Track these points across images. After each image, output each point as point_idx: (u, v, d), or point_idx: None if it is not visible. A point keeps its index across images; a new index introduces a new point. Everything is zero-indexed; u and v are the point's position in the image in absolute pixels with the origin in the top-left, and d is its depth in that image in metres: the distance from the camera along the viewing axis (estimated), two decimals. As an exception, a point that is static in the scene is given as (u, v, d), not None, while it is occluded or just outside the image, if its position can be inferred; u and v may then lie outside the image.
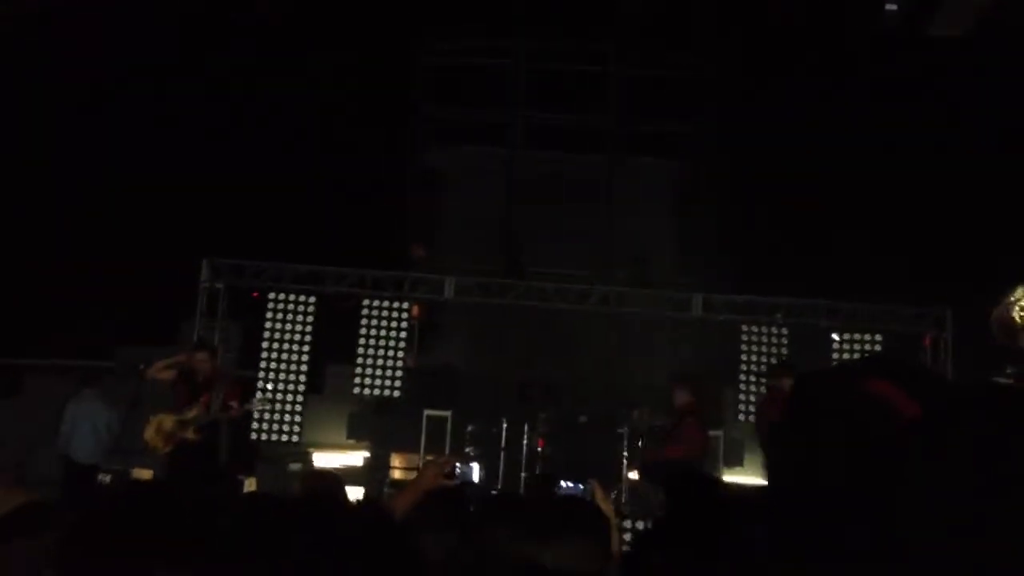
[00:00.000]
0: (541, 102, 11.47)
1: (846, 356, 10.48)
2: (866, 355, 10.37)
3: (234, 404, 8.04)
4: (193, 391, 7.91)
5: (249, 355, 10.20)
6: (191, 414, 7.83)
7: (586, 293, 10.30)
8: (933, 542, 1.09)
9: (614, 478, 9.23)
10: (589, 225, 11.22)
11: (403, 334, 10.17)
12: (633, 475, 9.38)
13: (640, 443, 9.42)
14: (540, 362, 10.39)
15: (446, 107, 11.44)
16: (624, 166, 11.39)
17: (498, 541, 2.61)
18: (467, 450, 9.43)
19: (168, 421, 7.80)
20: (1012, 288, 5.11)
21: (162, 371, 7.96)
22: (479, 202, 11.44)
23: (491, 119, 11.40)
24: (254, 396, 9.06)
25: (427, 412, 9.74)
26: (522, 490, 9.13)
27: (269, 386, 9.95)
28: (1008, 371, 5.59)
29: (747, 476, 9.88)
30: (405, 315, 10.20)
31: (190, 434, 7.79)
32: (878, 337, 10.45)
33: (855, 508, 1.14)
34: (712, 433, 10.06)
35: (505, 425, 9.72)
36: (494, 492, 8.80)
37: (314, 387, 10.28)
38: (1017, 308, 5.18)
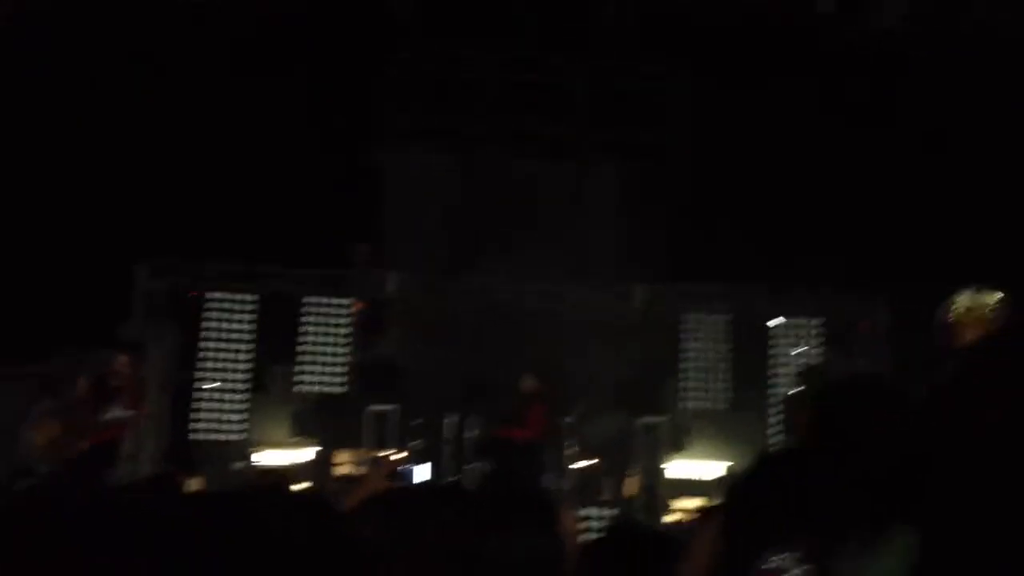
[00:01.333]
0: (496, 107, 11.44)
1: (784, 342, 10.66)
2: (805, 340, 10.56)
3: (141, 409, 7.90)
4: (104, 397, 7.74)
5: (189, 355, 10.11)
6: (106, 416, 7.64)
7: (528, 288, 10.38)
8: None
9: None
10: (532, 222, 11.26)
11: (345, 331, 10.20)
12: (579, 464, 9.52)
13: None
14: (483, 358, 10.42)
15: (399, 108, 11.37)
16: (571, 167, 11.43)
17: (440, 531, 2.62)
18: (412, 444, 9.43)
19: (68, 426, 7.56)
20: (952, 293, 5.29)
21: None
22: (427, 204, 11.43)
23: (444, 123, 11.37)
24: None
25: (371, 408, 9.75)
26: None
27: (210, 386, 9.91)
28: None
29: (689, 461, 10.00)
30: (347, 312, 10.22)
31: (95, 438, 7.63)
32: (817, 322, 10.62)
33: None
34: (655, 420, 10.21)
35: (448, 419, 9.76)
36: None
37: (258, 386, 10.22)
38: (955, 313, 5.38)
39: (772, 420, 10.24)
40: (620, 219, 11.24)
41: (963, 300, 5.29)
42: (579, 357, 10.42)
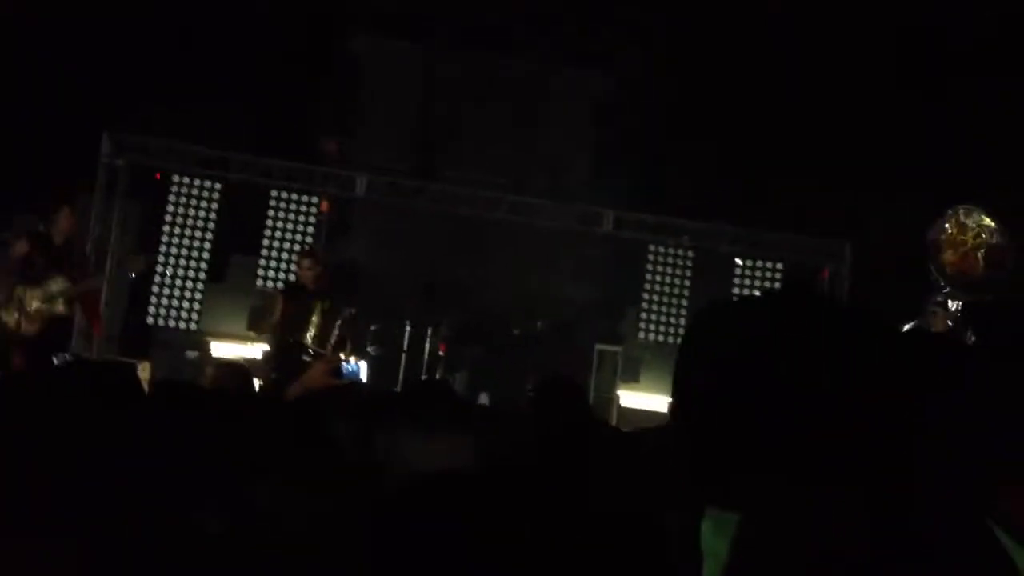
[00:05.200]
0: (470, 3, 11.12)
1: (747, 282, 10.75)
2: (767, 283, 10.67)
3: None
4: (52, 261, 7.20)
5: (148, 239, 9.90)
6: (56, 287, 7.18)
7: (498, 201, 10.30)
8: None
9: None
10: (508, 133, 11.09)
11: (310, 228, 10.06)
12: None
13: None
14: (447, 266, 10.35)
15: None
16: (549, 76, 11.24)
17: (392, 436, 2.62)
18: (368, 349, 9.36)
19: (31, 296, 7.11)
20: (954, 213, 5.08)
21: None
22: (398, 99, 11.18)
23: (417, 12, 11.05)
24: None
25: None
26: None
27: (168, 271, 9.73)
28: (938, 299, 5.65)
29: (643, 392, 10.08)
30: (314, 209, 10.07)
31: (60, 308, 7.26)
32: (779, 266, 10.71)
33: None
34: (611, 348, 10.28)
35: (408, 327, 9.72)
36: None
37: (215, 276, 10.06)
38: (938, 231, 5.22)
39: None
40: (595, 137, 11.14)
41: (950, 221, 5.22)
42: (543, 275, 10.41)
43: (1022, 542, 1.06)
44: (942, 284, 5.63)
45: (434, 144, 11.16)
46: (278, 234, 10.00)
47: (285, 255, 9.93)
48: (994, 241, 5.34)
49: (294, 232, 10.04)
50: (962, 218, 5.43)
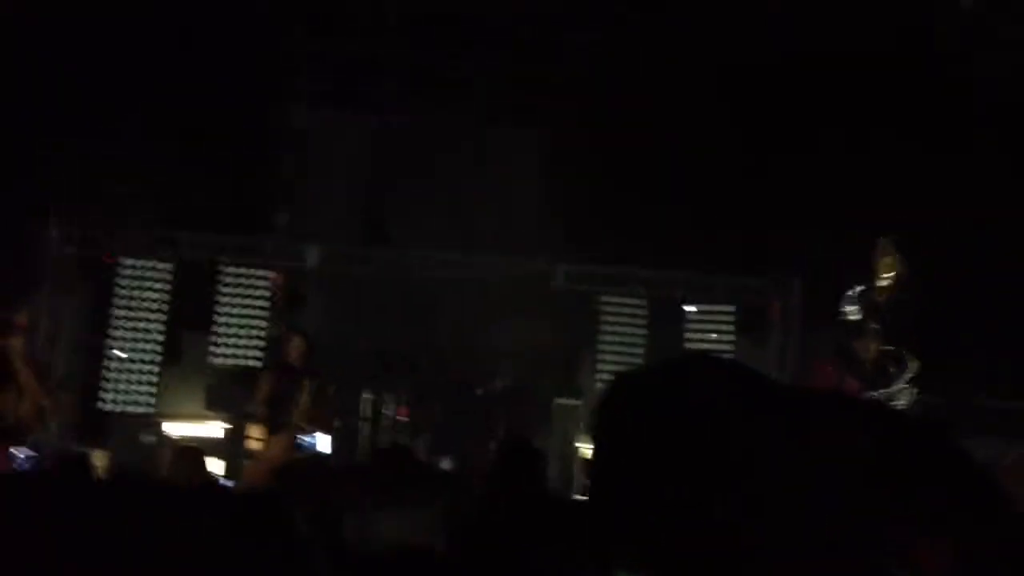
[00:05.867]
0: (414, 71, 11.25)
1: (700, 327, 10.86)
2: (718, 326, 10.80)
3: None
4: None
5: (99, 322, 9.85)
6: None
7: (448, 262, 10.38)
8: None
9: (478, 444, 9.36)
10: (456, 195, 11.19)
11: (263, 302, 10.05)
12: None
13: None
14: (403, 331, 10.38)
15: (316, 68, 11.12)
16: (491, 134, 11.36)
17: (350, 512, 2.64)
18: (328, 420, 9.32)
19: None
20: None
21: None
22: (344, 168, 11.26)
23: (362, 83, 11.16)
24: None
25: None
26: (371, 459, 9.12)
27: (122, 355, 9.67)
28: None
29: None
30: (266, 283, 10.08)
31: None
32: (730, 308, 10.84)
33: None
34: (570, 402, 10.32)
35: (367, 395, 9.71)
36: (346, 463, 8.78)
37: (170, 356, 10.00)
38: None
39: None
40: (542, 192, 11.26)
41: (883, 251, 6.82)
42: (498, 333, 10.46)
43: None
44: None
45: (382, 211, 11.24)
46: (230, 310, 9.98)
47: (237, 331, 9.92)
48: (905, 272, 6.89)
49: (245, 307, 10.02)
50: (890, 247, 6.96)
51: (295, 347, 8.21)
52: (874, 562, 1.13)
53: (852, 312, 7.27)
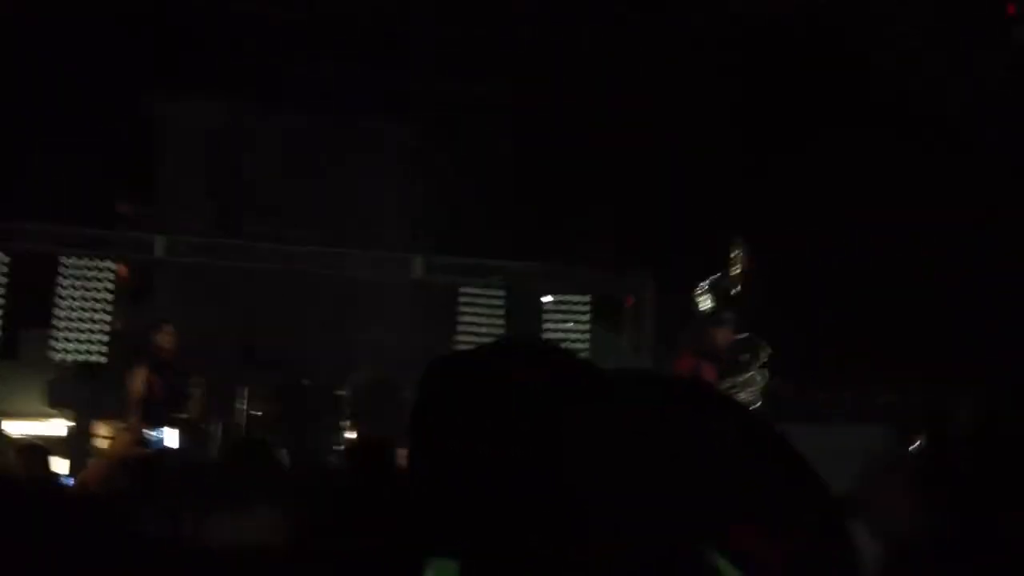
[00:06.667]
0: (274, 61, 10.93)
1: (557, 318, 10.97)
2: (575, 316, 10.91)
3: None
4: None
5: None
6: None
7: (306, 254, 10.21)
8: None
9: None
10: (314, 185, 11.00)
11: (108, 296, 9.66)
12: (351, 435, 9.42)
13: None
14: (260, 326, 10.15)
15: (174, 55, 10.71)
16: (352, 126, 11.20)
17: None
18: (183, 416, 9.05)
19: None
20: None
21: None
22: (199, 157, 10.93)
23: (222, 72, 10.81)
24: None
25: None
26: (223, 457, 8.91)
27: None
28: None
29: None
30: (109, 275, 9.68)
31: None
32: (586, 299, 10.97)
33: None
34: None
35: (222, 391, 9.44)
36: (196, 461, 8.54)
37: (6, 353, 9.55)
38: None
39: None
40: (402, 185, 11.19)
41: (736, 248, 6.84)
42: (358, 326, 10.35)
43: None
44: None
45: (240, 201, 10.96)
46: (71, 303, 9.56)
47: (79, 325, 9.51)
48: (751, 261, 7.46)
49: (87, 300, 9.61)
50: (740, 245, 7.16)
51: (167, 337, 7.89)
52: (689, 545, 1.13)
53: (704, 301, 7.52)
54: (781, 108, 9.82)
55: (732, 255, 7.23)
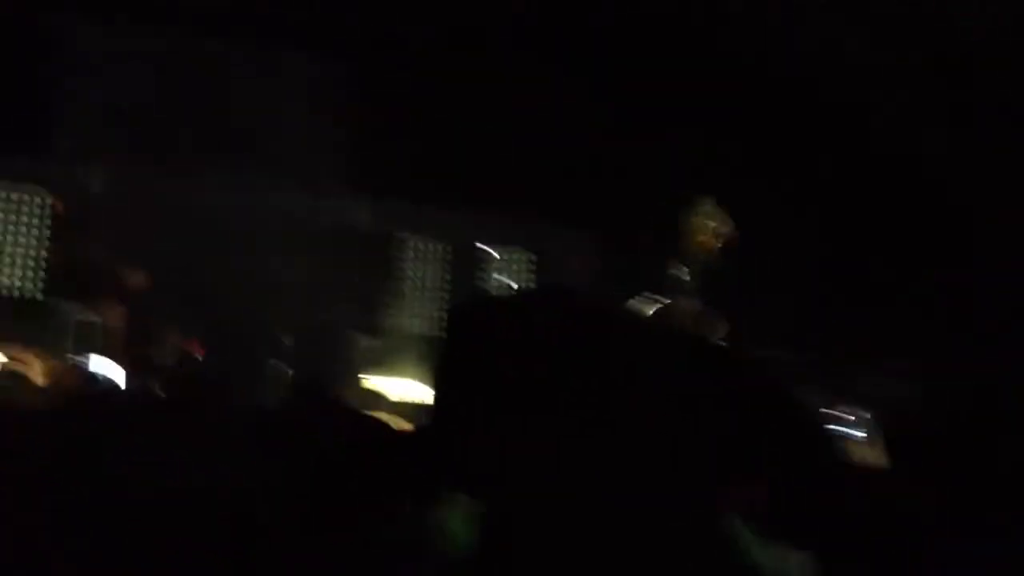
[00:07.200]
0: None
1: (501, 272, 10.94)
2: (520, 272, 10.89)
3: None
4: None
5: None
6: None
7: (243, 193, 10.06)
8: None
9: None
10: (253, 123, 10.76)
11: (40, 230, 9.47)
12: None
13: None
14: (185, 261, 9.97)
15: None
16: (299, 65, 10.97)
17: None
18: (134, 353, 8.91)
19: None
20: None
21: None
22: (132, 92, 10.63)
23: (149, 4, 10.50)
24: None
25: (76, 317, 9.13)
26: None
27: None
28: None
29: (389, 380, 10.09)
30: (43, 208, 9.48)
31: None
32: (531, 256, 10.96)
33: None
34: (364, 339, 10.24)
35: (155, 327, 9.30)
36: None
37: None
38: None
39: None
40: (349, 128, 10.99)
41: (700, 209, 6.26)
42: (293, 268, 10.22)
43: (760, 534, 1.11)
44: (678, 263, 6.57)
45: (173, 137, 10.69)
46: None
47: (9, 260, 9.30)
48: (728, 232, 6.36)
49: (17, 235, 9.41)
50: (708, 208, 6.40)
51: (124, 271, 7.72)
52: (689, 493, 1.13)
53: (676, 274, 7.01)
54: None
55: (699, 221, 6.62)
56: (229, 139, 10.71)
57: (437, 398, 1.25)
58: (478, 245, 10.92)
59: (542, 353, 1.16)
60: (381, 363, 10.20)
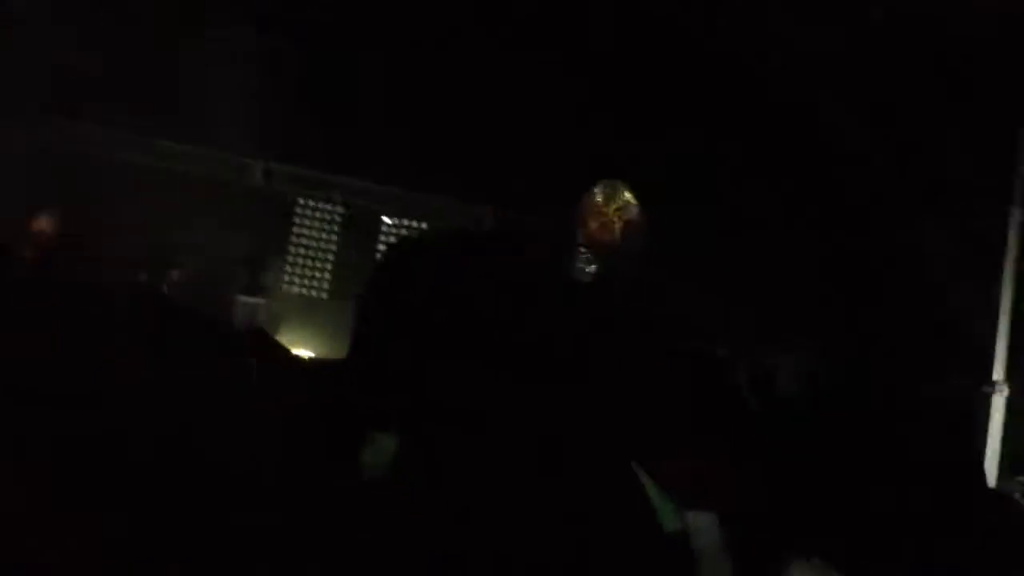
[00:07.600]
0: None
1: (392, 241, 10.90)
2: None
3: None
4: None
5: None
6: None
7: (136, 144, 9.83)
8: None
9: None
10: (152, 76, 10.46)
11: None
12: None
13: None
14: (79, 218, 9.64)
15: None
16: (200, 24, 10.70)
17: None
18: None
19: None
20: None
21: None
22: (29, 39, 10.22)
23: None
24: None
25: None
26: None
27: None
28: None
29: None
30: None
31: None
32: (425, 227, 10.94)
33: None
34: (253, 300, 10.12)
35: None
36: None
37: None
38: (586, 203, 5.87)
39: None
40: (248, 86, 10.78)
41: (597, 193, 5.79)
42: (184, 224, 10.00)
43: (682, 504, 1.15)
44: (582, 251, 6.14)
45: (73, 84, 10.33)
46: None
47: None
48: (632, 216, 5.89)
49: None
50: (607, 191, 5.92)
51: (46, 223, 7.30)
52: (603, 447, 1.17)
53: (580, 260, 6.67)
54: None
55: (605, 203, 6.05)
56: (129, 92, 10.40)
57: (364, 331, 1.25)
58: (376, 214, 10.86)
59: (476, 295, 1.17)
60: (272, 324, 10.11)
